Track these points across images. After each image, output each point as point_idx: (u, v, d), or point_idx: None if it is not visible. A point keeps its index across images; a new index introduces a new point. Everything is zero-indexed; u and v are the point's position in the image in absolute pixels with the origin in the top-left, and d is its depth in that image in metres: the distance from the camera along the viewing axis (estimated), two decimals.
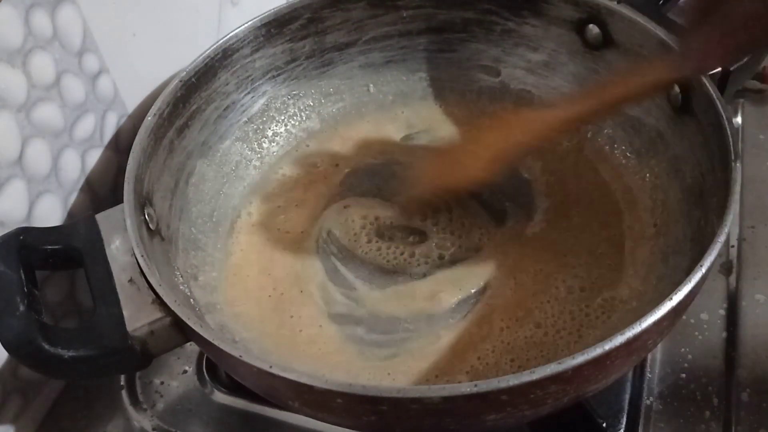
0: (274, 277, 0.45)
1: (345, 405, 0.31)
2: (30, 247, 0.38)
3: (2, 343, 0.34)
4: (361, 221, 0.47)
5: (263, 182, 0.51)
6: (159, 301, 0.35)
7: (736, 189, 0.35)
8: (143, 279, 0.36)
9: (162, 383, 0.46)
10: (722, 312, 0.46)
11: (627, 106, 0.46)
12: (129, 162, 0.40)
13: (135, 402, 0.45)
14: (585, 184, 0.48)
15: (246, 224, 0.49)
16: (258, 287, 0.45)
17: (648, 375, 0.43)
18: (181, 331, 0.36)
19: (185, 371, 0.47)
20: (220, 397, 0.45)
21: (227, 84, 0.49)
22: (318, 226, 0.48)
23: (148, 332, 0.36)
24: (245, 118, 0.52)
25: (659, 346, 0.44)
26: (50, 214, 0.43)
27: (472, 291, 0.43)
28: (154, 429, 0.44)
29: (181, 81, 0.45)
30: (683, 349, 0.44)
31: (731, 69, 0.40)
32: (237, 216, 0.49)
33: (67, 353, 0.34)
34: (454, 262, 0.45)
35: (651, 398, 0.42)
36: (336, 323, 0.43)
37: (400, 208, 0.47)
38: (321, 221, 0.48)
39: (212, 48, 0.47)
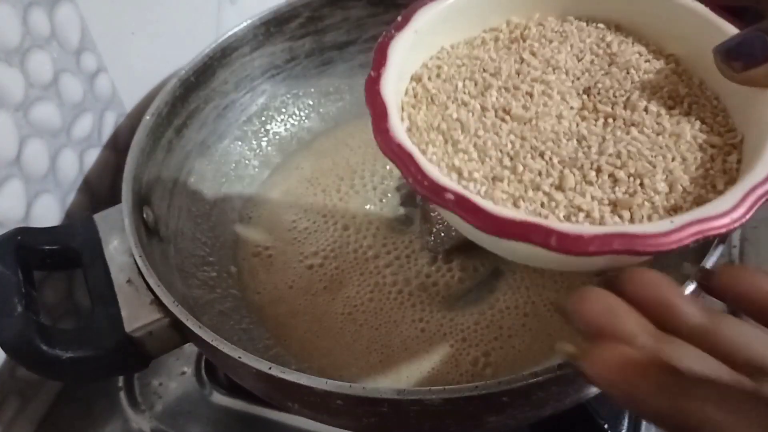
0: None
1: (345, 407, 0.30)
2: (28, 247, 0.37)
3: (0, 344, 0.34)
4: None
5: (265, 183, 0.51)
6: (157, 301, 0.35)
7: None
8: (141, 279, 0.36)
9: (160, 384, 0.46)
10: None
11: None
12: (127, 162, 0.40)
13: (133, 403, 0.45)
14: None
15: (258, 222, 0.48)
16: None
17: None
18: (179, 332, 0.36)
19: (184, 372, 0.46)
20: (219, 398, 0.45)
21: (226, 83, 0.49)
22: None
23: (147, 333, 0.36)
24: (244, 118, 0.51)
25: None
26: (48, 214, 0.43)
27: None
28: (152, 430, 0.44)
29: (179, 80, 0.45)
30: None
31: None
32: (248, 217, 0.49)
33: (65, 354, 0.34)
34: None
35: None
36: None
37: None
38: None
39: (211, 47, 0.47)
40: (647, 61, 0.31)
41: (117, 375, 0.46)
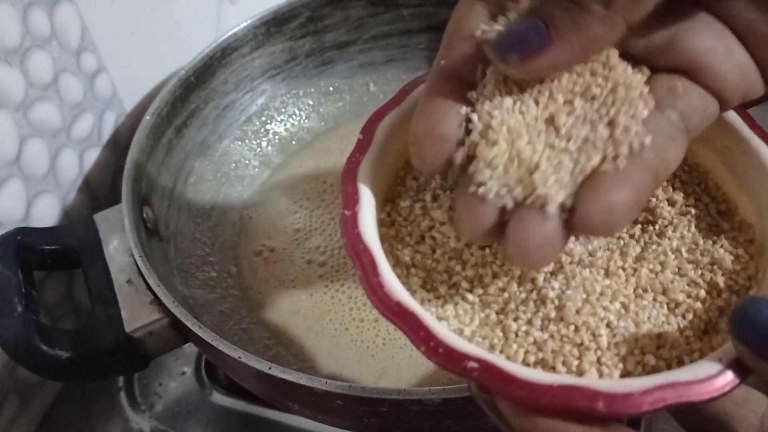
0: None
1: (345, 406, 0.30)
2: (28, 247, 0.37)
3: (0, 344, 0.34)
4: None
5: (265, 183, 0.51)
6: (157, 301, 0.35)
7: None
8: (141, 279, 0.36)
9: (160, 384, 0.46)
10: None
11: None
12: (127, 162, 0.40)
13: (133, 403, 0.45)
14: None
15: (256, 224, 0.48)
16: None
17: None
18: (179, 332, 0.36)
19: (184, 372, 0.46)
20: (219, 398, 0.45)
21: (226, 83, 0.49)
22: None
23: (147, 333, 0.36)
24: (244, 118, 0.51)
25: None
26: (48, 214, 0.43)
27: None
28: (152, 430, 0.44)
29: (179, 80, 0.45)
30: None
31: None
32: (249, 217, 0.49)
33: (64, 354, 0.34)
34: None
35: None
36: None
37: None
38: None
39: (211, 47, 0.47)
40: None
41: (117, 375, 0.46)
